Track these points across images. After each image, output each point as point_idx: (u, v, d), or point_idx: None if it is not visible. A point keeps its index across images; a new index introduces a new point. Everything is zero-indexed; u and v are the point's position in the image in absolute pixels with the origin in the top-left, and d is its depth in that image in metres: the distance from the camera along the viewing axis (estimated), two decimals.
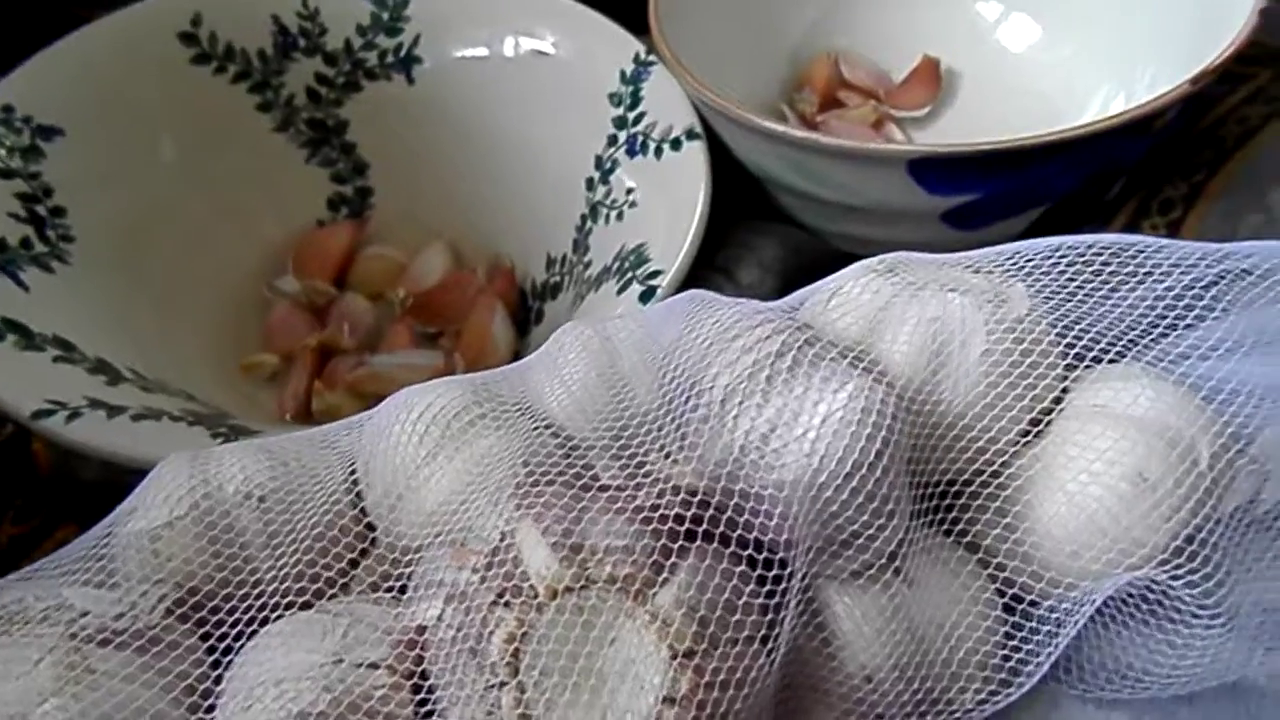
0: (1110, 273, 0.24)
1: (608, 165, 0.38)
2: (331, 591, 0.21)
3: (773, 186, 0.38)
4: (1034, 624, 0.21)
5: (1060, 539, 0.20)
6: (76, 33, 0.38)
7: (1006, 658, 0.21)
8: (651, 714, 0.18)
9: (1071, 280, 0.24)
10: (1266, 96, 0.40)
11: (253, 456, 0.22)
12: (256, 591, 0.21)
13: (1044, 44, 0.43)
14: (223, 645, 0.21)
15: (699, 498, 0.20)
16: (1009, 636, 0.21)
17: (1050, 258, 0.24)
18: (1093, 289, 0.23)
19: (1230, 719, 0.22)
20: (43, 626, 0.20)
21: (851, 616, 0.20)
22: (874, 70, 0.45)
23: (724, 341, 0.21)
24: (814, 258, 0.38)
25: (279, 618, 0.21)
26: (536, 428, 0.22)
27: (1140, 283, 0.24)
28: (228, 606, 0.21)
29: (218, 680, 0.20)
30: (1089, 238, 0.24)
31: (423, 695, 0.19)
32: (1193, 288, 0.25)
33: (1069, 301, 0.23)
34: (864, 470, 0.19)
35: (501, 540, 0.19)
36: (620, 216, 0.37)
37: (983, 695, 0.21)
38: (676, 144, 0.36)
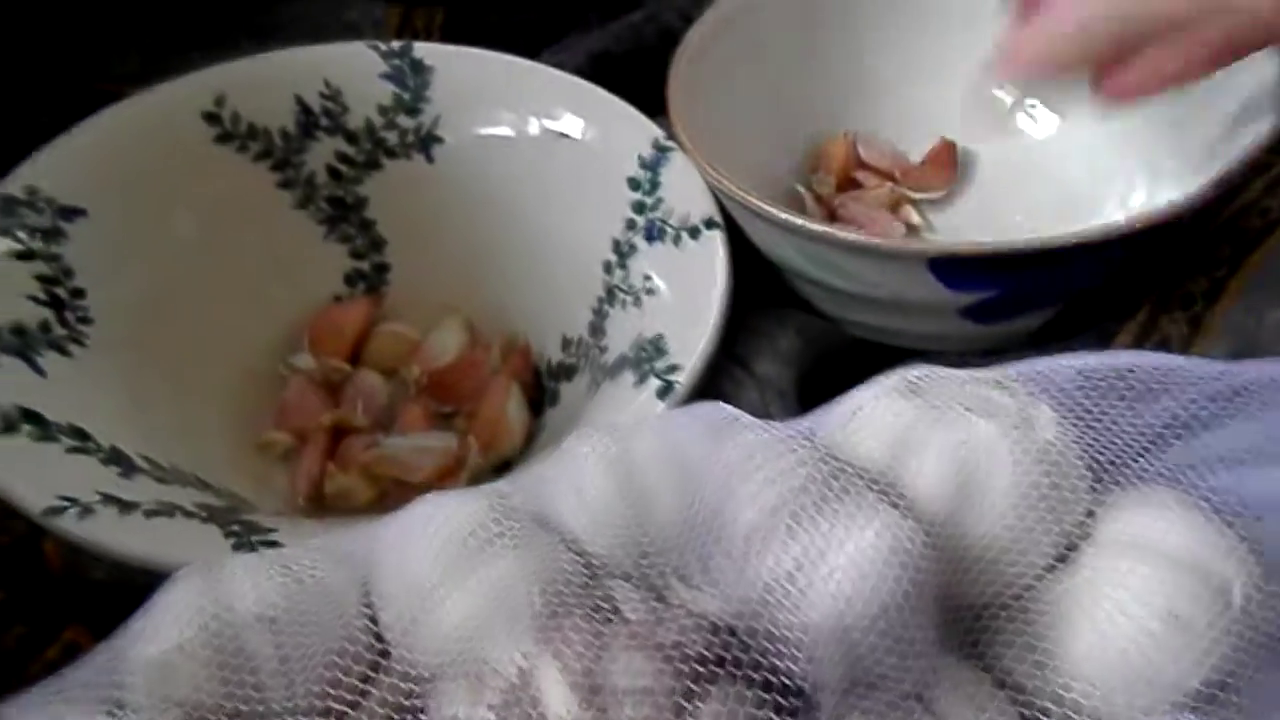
0: (1133, 391, 0.24)
1: (625, 249, 0.38)
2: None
3: (790, 274, 0.38)
4: None
5: (1091, 677, 0.20)
6: (101, 113, 0.38)
7: None
8: None
9: (1098, 402, 0.23)
10: None
11: (265, 573, 0.22)
12: None
13: (1063, 129, 0.43)
14: None
15: (722, 636, 0.19)
16: None
17: (1074, 379, 0.23)
18: (1118, 412, 0.23)
19: None
20: None
21: None
22: (891, 151, 0.45)
23: (747, 472, 0.20)
24: (831, 345, 0.38)
25: None
26: (555, 546, 0.22)
27: (1156, 400, 0.24)
28: None
29: None
30: (1112, 356, 0.24)
31: None
32: (1215, 399, 0.25)
33: (1097, 423, 0.23)
34: (892, 611, 0.19)
35: (519, 676, 0.19)
36: (638, 303, 0.37)
37: None
38: (695, 233, 0.36)
